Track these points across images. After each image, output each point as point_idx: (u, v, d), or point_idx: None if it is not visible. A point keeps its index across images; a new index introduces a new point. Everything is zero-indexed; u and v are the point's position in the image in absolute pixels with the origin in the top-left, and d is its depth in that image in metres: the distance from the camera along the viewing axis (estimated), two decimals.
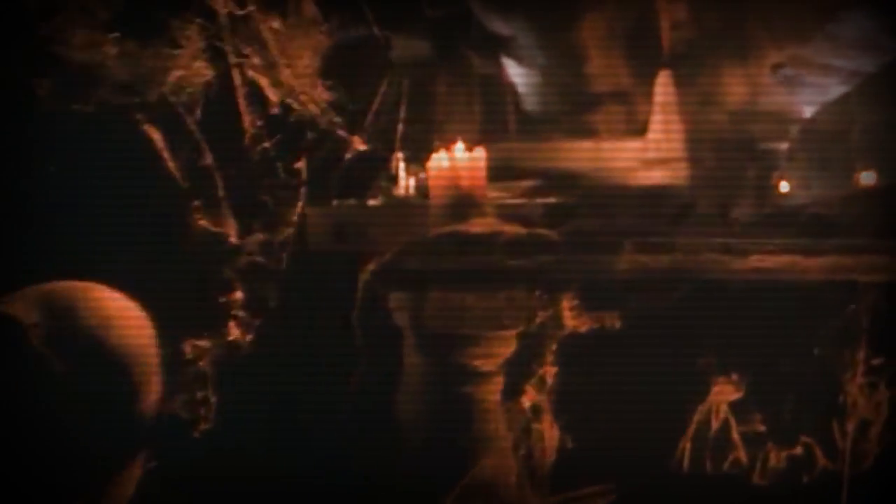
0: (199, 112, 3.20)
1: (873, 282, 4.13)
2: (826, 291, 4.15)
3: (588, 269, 4.01)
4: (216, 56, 3.30)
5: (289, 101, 3.48)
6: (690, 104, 6.05)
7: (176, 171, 3.07)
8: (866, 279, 4.12)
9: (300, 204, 3.70)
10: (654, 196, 5.62)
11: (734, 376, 4.18)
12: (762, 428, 4.23)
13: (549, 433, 4.13)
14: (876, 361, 4.23)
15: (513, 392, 4.09)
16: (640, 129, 6.06)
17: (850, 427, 4.18)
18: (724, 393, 4.18)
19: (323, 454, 3.67)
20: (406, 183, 4.90)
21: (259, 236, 3.43)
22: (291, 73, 3.51)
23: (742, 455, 4.21)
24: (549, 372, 4.14)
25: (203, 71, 3.15)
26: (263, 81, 3.37)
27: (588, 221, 4.49)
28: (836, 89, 6.17)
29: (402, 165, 4.93)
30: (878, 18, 5.70)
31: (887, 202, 4.83)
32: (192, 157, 3.10)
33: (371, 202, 4.94)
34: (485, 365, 3.96)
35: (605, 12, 6.29)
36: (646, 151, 5.84)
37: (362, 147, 4.11)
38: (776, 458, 4.23)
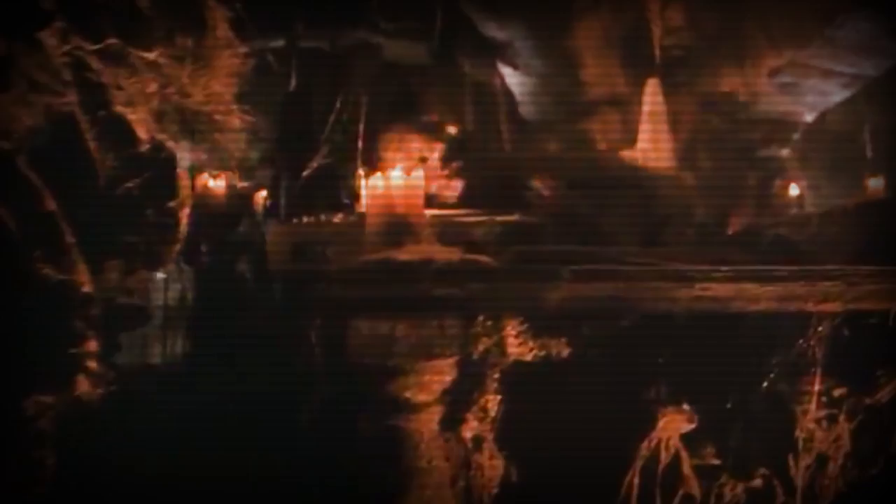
0: (36, 156, 3.06)
1: (829, 311, 3.93)
2: (781, 320, 3.96)
3: (524, 298, 3.85)
4: (55, 95, 3.15)
5: (160, 137, 3.34)
6: (685, 111, 5.88)
7: (10, 219, 2.95)
8: (821, 308, 3.91)
9: (178, 245, 3.58)
10: (640, 206, 5.47)
11: (685, 406, 4.01)
12: (716, 461, 4.05)
13: (491, 465, 4.00)
14: (838, 392, 4.04)
15: (452, 422, 3.97)
16: (634, 137, 5.91)
17: (806, 460, 4.01)
18: (675, 422, 4.01)
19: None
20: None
21: (140, 276, 3.33)
22: (194, 101, 3.40)
23: (694, 489, 4.05)
24: (492, 401, 4.00)
25: (28, 115, 3.01)
26: (133, 117, 3.24)
27: (536, 248, 4.34)
28: (837, 94, 5.95)
29: (362, 182, 4.85)
30: (877, 21, 5.47)
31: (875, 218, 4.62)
32: (30, 204, 2.96)
33: (335, 219, 4.88)
34: (417, 395, 3.84)
35: (601, 17, 6.14)
36: (634, 161, 5.69)
37: (241, 184, 4.01)
38: (731, 491, 4.06)
